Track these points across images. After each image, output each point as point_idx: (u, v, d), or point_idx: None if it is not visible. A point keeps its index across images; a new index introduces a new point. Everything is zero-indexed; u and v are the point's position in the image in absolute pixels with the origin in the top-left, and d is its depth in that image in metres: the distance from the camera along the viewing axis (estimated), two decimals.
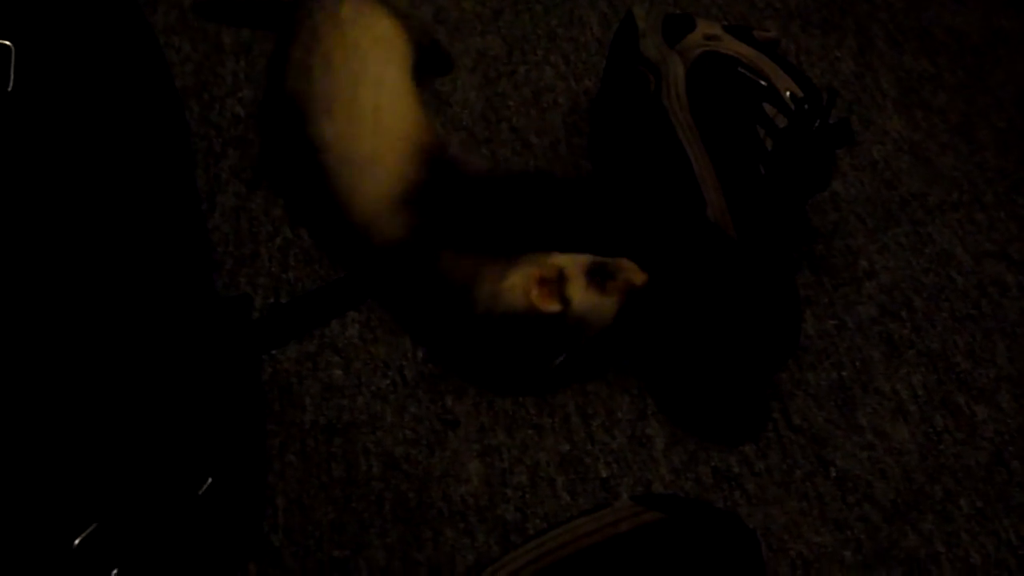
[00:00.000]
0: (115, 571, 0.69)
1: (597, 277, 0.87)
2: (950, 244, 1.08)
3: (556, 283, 0.86)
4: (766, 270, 0.89)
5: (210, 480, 0.75)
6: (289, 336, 0.93)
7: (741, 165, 0.92)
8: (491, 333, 0.88)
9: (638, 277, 0.87)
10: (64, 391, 0.71)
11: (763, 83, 0.96)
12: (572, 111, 1.12)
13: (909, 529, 0.89)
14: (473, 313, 0.88)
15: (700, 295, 0.89)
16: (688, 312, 0.90)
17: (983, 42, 1.27)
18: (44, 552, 0.68)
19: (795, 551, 0.86)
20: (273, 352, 0.92)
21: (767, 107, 0.95)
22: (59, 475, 0.69)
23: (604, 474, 0.88)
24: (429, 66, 1.11)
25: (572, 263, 0.87)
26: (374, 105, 0.95)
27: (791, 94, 0.96)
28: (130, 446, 0.73)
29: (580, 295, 0.86)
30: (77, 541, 0.68)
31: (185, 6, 1.15)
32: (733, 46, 0.99)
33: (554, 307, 0.85)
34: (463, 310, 0.88)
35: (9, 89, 0.74)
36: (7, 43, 0.74)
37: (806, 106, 0.95)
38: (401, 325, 0.94)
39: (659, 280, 0.90)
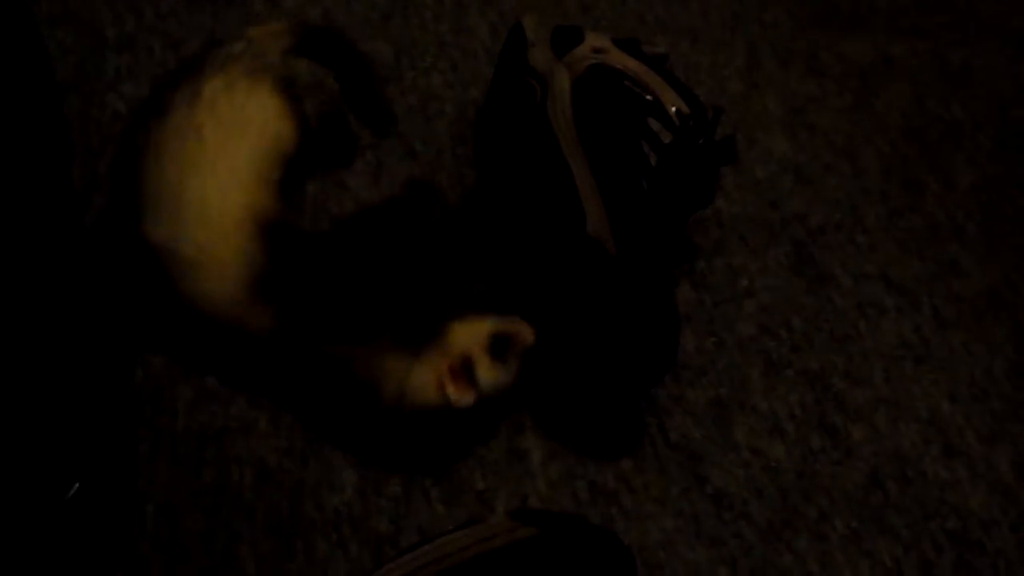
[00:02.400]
0: None
1: (498, 350, 0.84)
2: (830, 265, 1.08)
3: (463, 369, 0.83)
4: (645, 286, 0.89)
5: (77, 485, 0.73)
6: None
7: (624, 180, 0.92)
8: (400, 423, 0.85)
9: (530, 337, 0.85)
10: None
11: (649, 98, 0.96)
12: (459, 120, 1.11)
13: (784, 548, 0.89)
14: (379, 406, 0.84)
15: (578, 310, 0.89)
16: (567, 327, 0.89)
17: (870, 68, 1.28)
18: None
19: (670, 568, 0.87)
20: (146, 354, 0.90)
21: (652, 122, 0.95)
22: None
23: (480, 486, 0.88)
24: (344, 136, 1.06)
25: (474, 343, 0.84)
26: (199, 198, 0.86)
27: (677, 110, 0.96)
28: None
29: (487, 375, 0.83)
30: None
31: None
32: (620, 59, 0.99)
33: (469, 398, 0.82)
34: (367, 403, 0.84)
35: None
36: None
37: (691, 122, 0.95)
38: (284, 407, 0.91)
39: (539, 295, 0.91)
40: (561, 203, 0.92)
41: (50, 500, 0.72)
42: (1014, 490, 0.97)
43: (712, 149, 0.96)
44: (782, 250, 1.08)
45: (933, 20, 1.36)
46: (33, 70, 0.86)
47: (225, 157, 0.88)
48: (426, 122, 1.10)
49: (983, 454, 0.98)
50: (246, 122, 0.91)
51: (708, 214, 1.08)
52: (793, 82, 1.25)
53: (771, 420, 0.96)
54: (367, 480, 0.86)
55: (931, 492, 0.96)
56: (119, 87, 1.06)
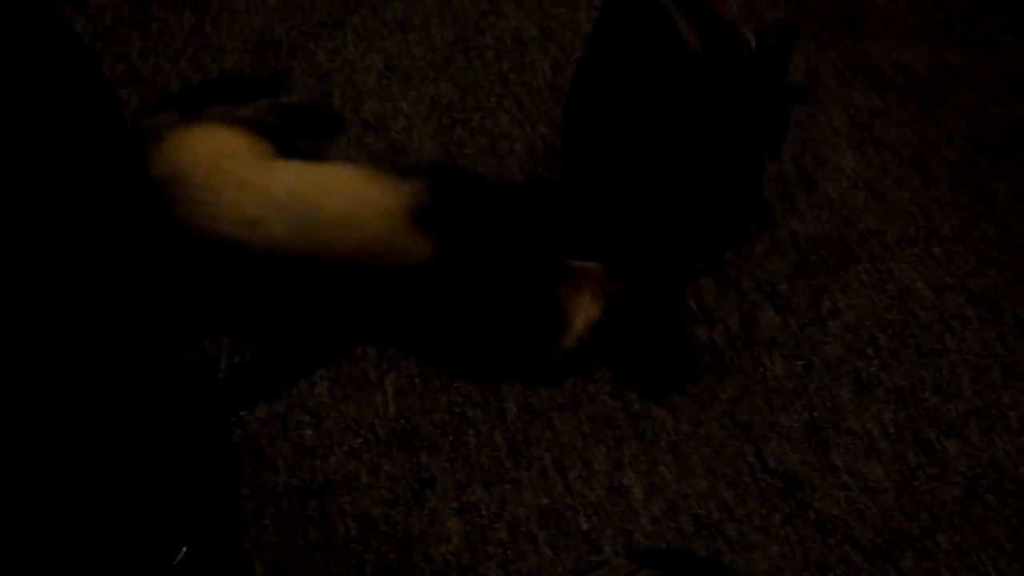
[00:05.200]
0: None
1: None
2: (910, 280, 1.08)
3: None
4: (732, 96, 0.98)
5: (185, 549, 0.73)
6: (257, 396, 0.91)
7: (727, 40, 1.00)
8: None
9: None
10: (37, 464, 0.69)
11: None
12: (529, 157, 1.11)
13: (891, 568, 0.89)
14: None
15: (675, 116, 0.96)
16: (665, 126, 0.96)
17: (929, 76, 1.28)
18: None
19: None
20: (242, 413, 0.90)
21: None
22: (38, 548, 0.68)
23: (585, 527, 0.88)
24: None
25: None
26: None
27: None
28: (104, 518, 0.71)
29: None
30: None
31: (131, 59, 1.14)
32: None
33: None
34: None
35: None
36: None
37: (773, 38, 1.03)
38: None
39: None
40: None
41: (159, 566, 0.72)
42: None
43: (785, 80, 1.05)
44: (861, 268, 1.08)
45: (988, 23, 1.36)
46: (110, 130, 0.87)
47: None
48: (497, 162, 1.11)
49: None
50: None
51: (785, 237, 1.08)
52: (856, 97, 1.25)
53: (866, 440, 0.96)
54: (473, 527, 0.86)
55: None
56: None
